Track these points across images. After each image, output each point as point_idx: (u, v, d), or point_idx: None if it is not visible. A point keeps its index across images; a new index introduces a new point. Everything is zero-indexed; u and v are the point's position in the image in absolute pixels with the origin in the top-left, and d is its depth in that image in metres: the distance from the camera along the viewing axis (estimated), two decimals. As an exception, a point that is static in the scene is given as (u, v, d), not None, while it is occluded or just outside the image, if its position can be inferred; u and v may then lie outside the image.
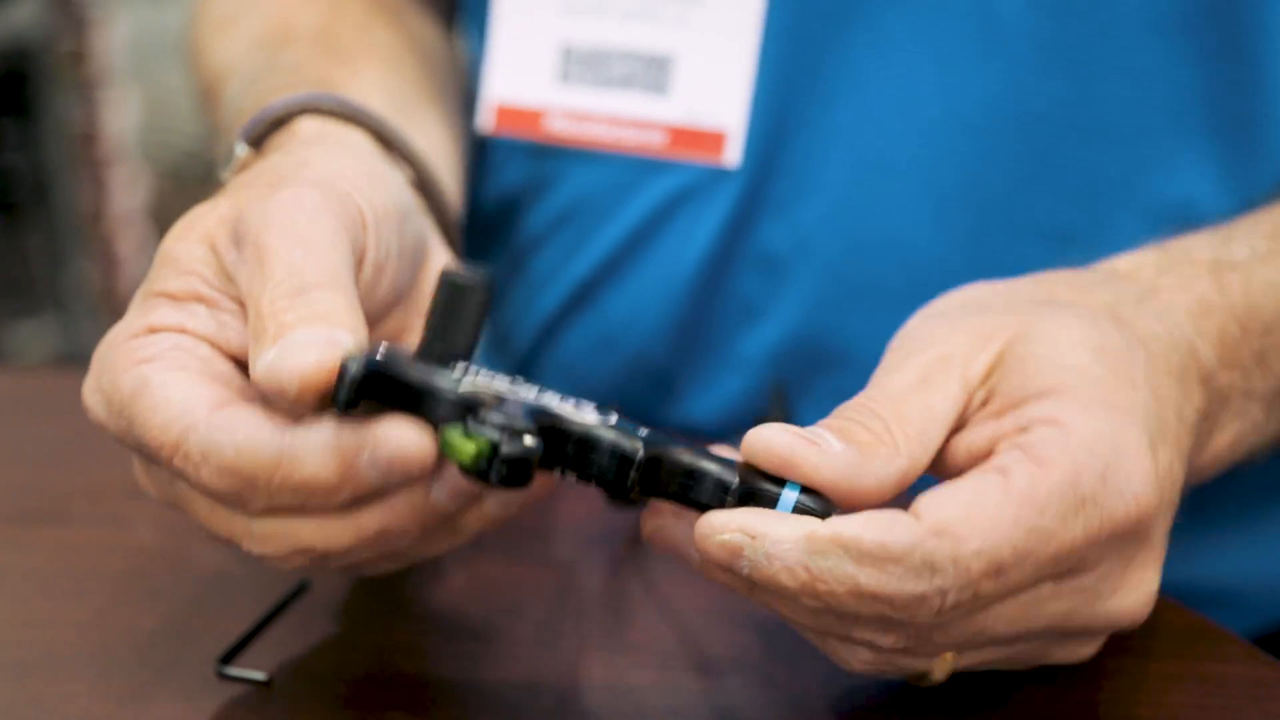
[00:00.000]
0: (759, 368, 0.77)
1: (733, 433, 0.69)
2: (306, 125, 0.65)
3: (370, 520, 0.52)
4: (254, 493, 0.51)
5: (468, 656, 0.63)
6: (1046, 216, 0.72)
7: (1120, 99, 0.71)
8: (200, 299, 0.55)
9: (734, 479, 0.50)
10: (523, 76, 0.76)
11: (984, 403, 0.53)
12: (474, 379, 0.50)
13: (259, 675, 0.61)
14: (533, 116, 0.76)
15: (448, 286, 0.50)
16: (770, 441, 0.50)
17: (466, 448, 0.48)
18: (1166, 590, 0.77)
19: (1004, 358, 0.53)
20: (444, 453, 0.49)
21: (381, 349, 0.50)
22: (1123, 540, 0.51)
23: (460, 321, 0.50)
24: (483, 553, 0.70)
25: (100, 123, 2.73)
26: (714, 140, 0.73)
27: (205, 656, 0.62)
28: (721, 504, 0.50)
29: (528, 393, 0.51)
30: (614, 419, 0.51)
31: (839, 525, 0.47)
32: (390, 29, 0.81)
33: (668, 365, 0.79)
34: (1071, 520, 0.49)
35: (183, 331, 0.54)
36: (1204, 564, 0.80)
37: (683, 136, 0.74)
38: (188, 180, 3.88)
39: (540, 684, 0.61)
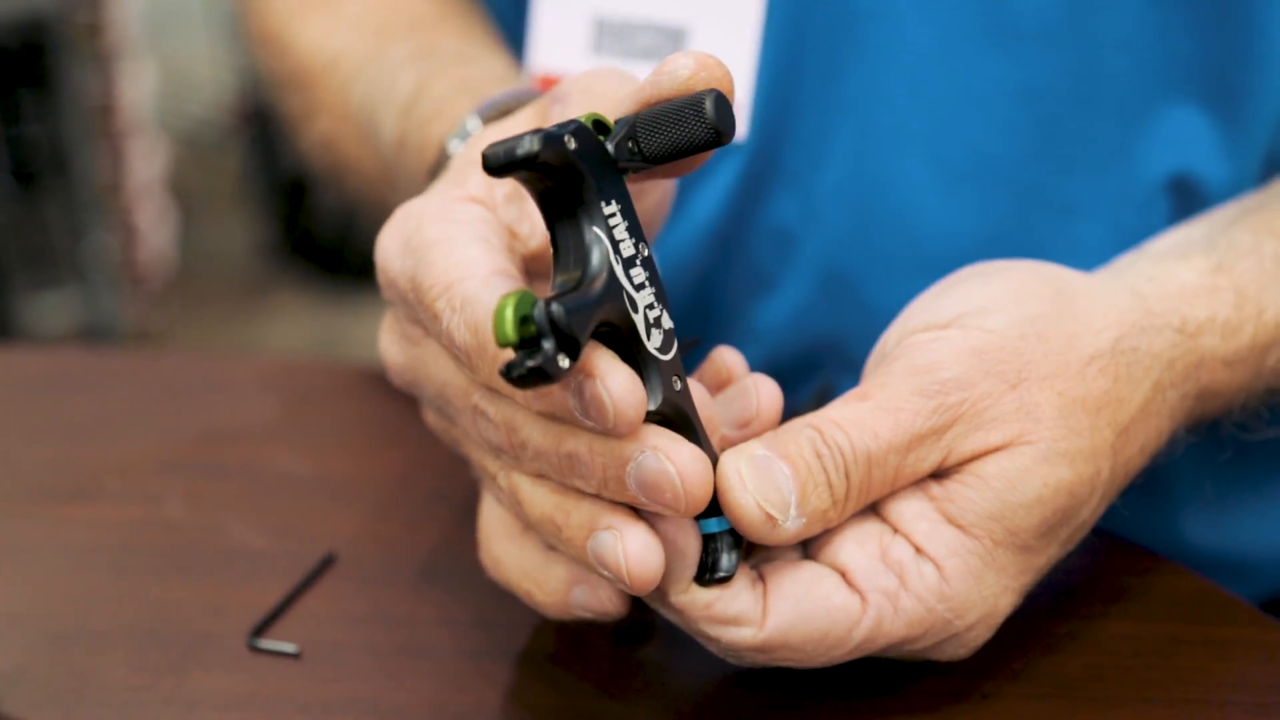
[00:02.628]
0: (775, 337, 0.79)
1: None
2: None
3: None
4: (483, 359, 0.52)
5: (496, 628, 0.64)
6: (1050, 188, 0.74)
7: (1121, 70, 0.72)
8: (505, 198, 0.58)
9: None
10: (561, 48, 0.77)
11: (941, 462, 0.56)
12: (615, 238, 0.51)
13: (289, 647, 0.63)
14: None
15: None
16: (738, 507, 0.53)
17: (505, 330, 0.48)
18: (1178, 556, 0.79)
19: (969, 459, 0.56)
20: (494, 315, 0.49)
21: None
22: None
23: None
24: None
25: (117, 94, 2.74)
26: None
27: (237, 629, 0.64)
28: None
29: (635, 275, 0.51)
30: (670, 356, 0.53)
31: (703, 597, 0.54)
32: (470, 8, 0.84)
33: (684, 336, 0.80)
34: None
35: (493, 209, 0.57)
36: (1219, 532, 0.82)
37: None
38: (205, 149, 3.90)
39: (571, 655, 0.63)
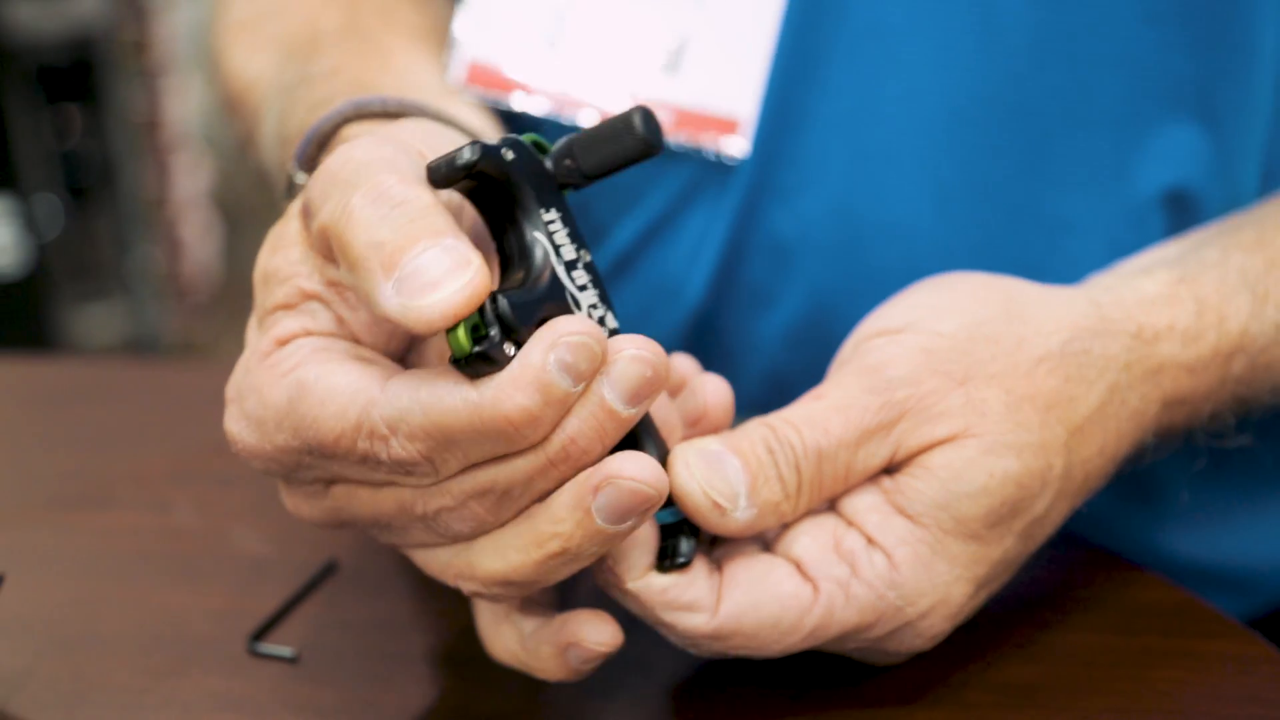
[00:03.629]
0: (773, 351, 0.80)
1: (752, 414, 0.72)
2: (354, 131, 0.65)
3: (558, 438, 0.51)
4: (451, 450, 0.50)
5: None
6: (1043, 204, 0.74)
7: (1115, 88, 0.73)
8: (313, 297, 0.55)
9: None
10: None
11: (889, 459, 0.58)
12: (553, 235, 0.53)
13: (287, 652, 0.65)
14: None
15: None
16: (684, 493, 0.56)
17: (460, 343, 0.49)
18: (1173, 569, 0.80)
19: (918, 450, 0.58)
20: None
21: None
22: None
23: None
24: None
25: (163, 109, 2.78)
26: (727, 127, 0.75)
27: (238, 634, 0.66)
28: None
29: (577, 278, 0.54)
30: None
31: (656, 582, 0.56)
32: (411, 6, 0.83)
33: (684, 351, 0.81)
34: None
35: (310, 334, 0.55)
36: (1215, 545, 0.82)
37: (693, 120, 0.76)
38: (251, 164, 3.93)
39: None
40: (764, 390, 0.80)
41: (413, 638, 0.66)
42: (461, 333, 0.50)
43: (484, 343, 0.50)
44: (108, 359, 1.83)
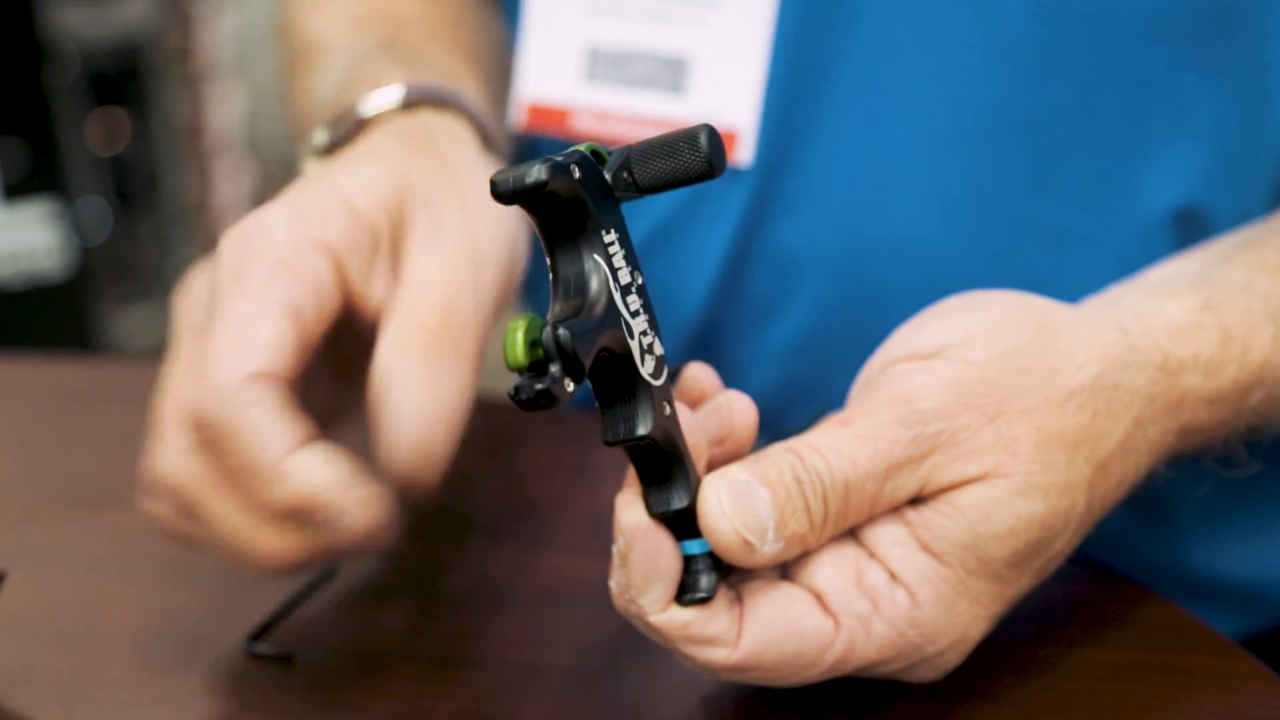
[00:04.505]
0: (778, 363, 0.80)
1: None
2: (441, 123, 0.69)
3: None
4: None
5: (483, 639, 0.67)
6: (1050, 219, 0.74)
7: (1122, 104, 0.73)
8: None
9: (683, 503, 0.55)
10: (552, 76, 0.80)
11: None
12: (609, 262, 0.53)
13: (283, 652, 0.66)
14: (561, 115, 0.79)
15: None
16: (716, 532, 0.55)
17: (515, 353, 0.50)
18: (1182, 584, 0.80)
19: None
20: (505, 337, 0.51)
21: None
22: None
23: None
24: (506, 542, 0.74)
25: (206, 115, 2.80)
26: (727, 140, 0.76)
27: (236, 634, 0.67)
28: (662, 511, 0.55)
29: (631, 303, 0.53)
30: (661, 382, 0.54)
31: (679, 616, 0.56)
32: (475, 31, 0.85)
33: (688, 362, 0.82)
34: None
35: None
36: (1224, 561, 0.82)
37: None
38: (294, 169, 3.96)
39: (561, 666, 0.65)
40: (766, 404, 0.81)
41: (407, 643, 0.67)
42: (521, 345, 0.50)
43: (545, 380, 0.49)
44: (130, 361, 1.85)
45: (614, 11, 0.78)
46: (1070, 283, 0.71)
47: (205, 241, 2.86)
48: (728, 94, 0.76)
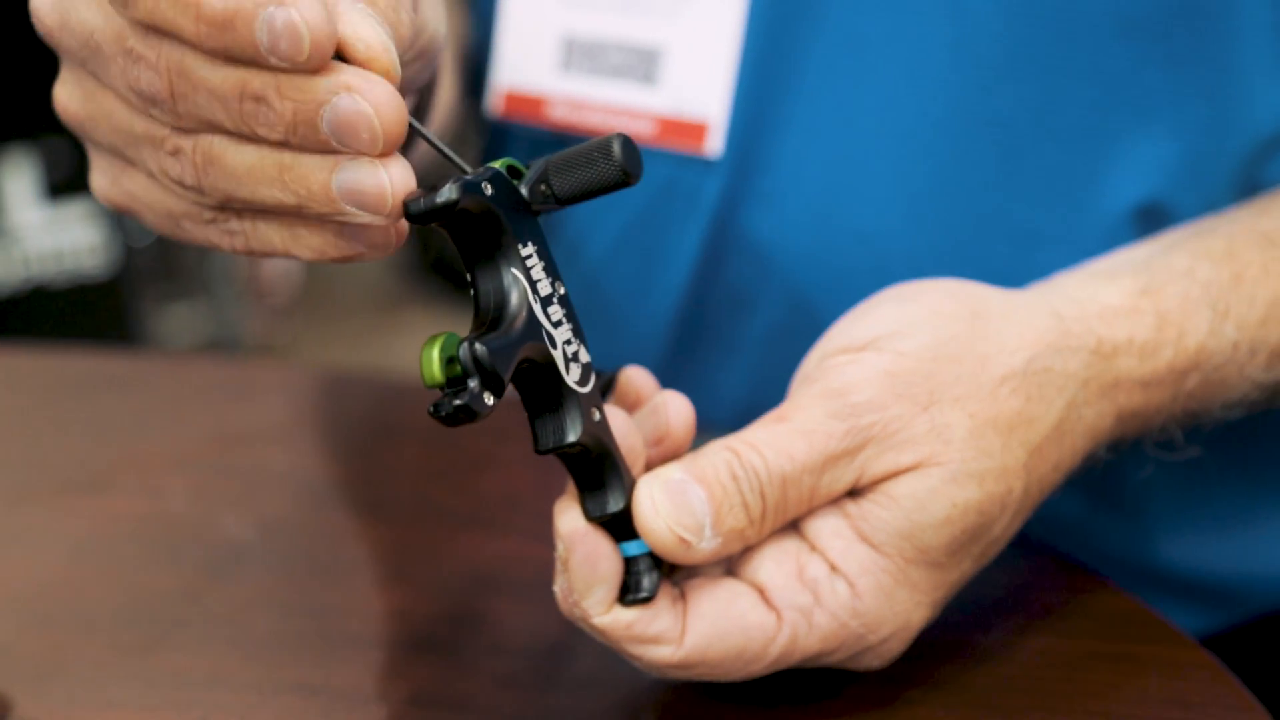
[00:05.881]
0: (754, 355, 0.81)
1: (733, 417, 0.74)
2: None
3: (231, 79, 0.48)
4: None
5: (459, 621, 0.68)
6: (1015, 215, 0.75)
7: (1088, 101, 0.74)
8: None
9: (619, 505, 0.57)
10: (529, 65, 0.81)
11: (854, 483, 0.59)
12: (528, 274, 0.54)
13: None
14: (536, 103, 0.81)
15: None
16: (652, 532, 0.57)
17: (431, 370, 0.51)
18: (1155, 578, 0.80)
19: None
20: (421, 356, 0.52)
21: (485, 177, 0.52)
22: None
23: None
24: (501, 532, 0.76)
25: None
26: (697, 130, 0.77)
27: (210, 615, 0.69)
28: (599, 515, 0.57)
29: (552, 313, 0.54)
30: (589, 389, 0.56)
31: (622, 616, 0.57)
32: None
33: (667, 355, 0.83)
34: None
35: None
36: (1197, 555, 0.82)
37: (670, 127, 0.78)
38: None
39: (526, 650, 0.66)
40: (746, 392, 0.82)
41: (374, 623, 0.68)
42: (436, 363, 0.51)
43: (464, 395, 0.50)
44: (129, 353, 1.89)
45: (590, 3, 0.79)
46: (1034, 278, 0.71)
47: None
48: (699, 85, 0.77)
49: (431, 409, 0.51)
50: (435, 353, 0.51)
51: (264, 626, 0.68)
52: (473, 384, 0.51)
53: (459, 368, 0.51)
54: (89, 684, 0.65)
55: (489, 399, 0.51)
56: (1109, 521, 0.80)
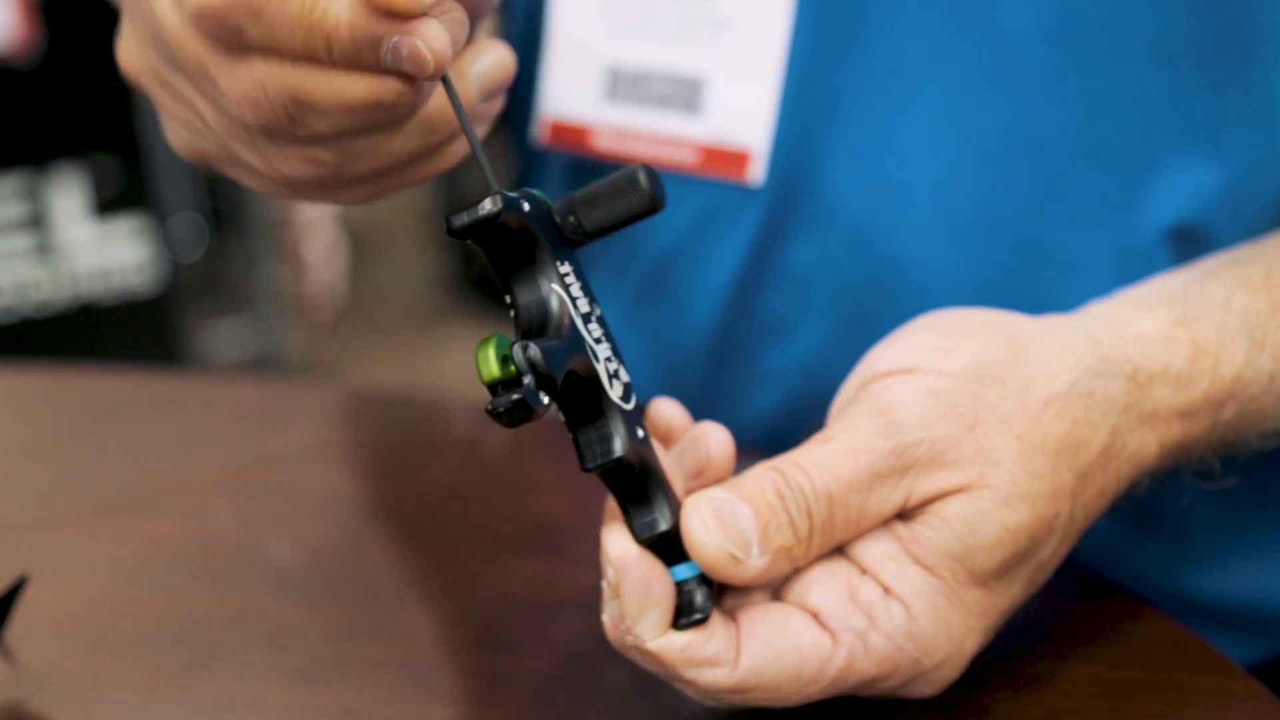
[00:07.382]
0: (790, 382, 0.81)
1: (767, 445, 0.74)
2: None
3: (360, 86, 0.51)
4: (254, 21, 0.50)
5: (502, 649, 0.68)
6: (1056, 242, 0.74)
7: (1129, 128, 0.73)
8: None
9: (668, 524, 0.57)
10: (574, 94, 0.81)
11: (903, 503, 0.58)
12: (566, 288, 0.54)
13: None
14: (581, 132, 0.81)
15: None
16: (702, 547, 0.56)
17: (489, 368, 0.51)
18: (1193, 609, 0.79)
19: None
20: (476, 355, 0.52)
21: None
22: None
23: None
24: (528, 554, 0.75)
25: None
26: (739, 159, 0.77)
27: (252, 638, 0.69)
28: (648, 536, 0.57)
29: (592, 330, 0.55)
30: (631, 406, 0.56)
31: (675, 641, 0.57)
32: None
33: (702, 381, 0.83)
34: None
35: None
36: (1234, 586, 0.82)
37: (713, 155, 0.78)
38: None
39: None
40: (782, 418, 0.81)
41: (416, 647, 0.68)
42: (494, 360, 0.51)
43: (520, 390, 0.51)
44: (172, 373, 1.91)
45: (634, 32, 0.79)
46: (1075, 304, 0.71)
47: (289, 257, 2.91)
48: (742, 113, 0.77)
49: (489, 407, 0.51)
50: (491, 351, 0.51)
51: (306, 650, 0.68)
52: (528, 380, 0.51)
53: (513, 368, 0.51)
54: (132, 707, 0.65)
55: (544, 398, 0.51)
56: (1150, 548, 0.80)
